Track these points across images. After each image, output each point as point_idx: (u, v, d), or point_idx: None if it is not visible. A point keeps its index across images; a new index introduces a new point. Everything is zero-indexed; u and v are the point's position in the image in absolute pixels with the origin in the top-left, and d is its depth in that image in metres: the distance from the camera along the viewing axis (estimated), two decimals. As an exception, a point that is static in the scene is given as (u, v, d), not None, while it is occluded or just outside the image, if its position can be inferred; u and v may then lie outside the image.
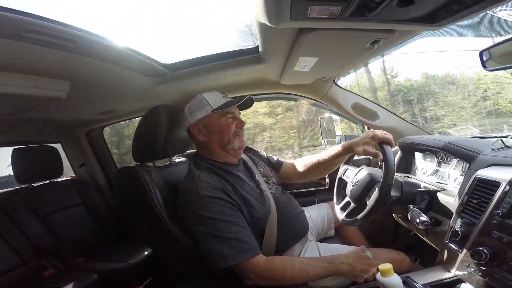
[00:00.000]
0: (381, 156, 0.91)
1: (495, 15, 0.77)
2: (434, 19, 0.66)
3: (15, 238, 1.53)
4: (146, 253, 1.73)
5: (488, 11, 0.64)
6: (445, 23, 0.68)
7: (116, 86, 1.20)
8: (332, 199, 1.23)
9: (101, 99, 1.40)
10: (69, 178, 2.16)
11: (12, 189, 1.79)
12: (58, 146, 2.06)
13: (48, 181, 1.91)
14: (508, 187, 0.74)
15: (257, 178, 1.10)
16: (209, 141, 1.05)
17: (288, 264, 0.89)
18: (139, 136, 1.18)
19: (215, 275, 0.98)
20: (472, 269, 0.78)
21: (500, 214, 0.73)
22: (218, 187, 0.93)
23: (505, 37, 0.81)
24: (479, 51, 0.88)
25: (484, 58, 0.89)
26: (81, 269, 1.57)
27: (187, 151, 1.44)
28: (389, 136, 0.94)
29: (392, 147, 0.93)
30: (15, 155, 1.76)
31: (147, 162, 1.17)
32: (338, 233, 1.37)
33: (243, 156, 1.17)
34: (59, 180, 1.99)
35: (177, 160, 1.39)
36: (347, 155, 1.11)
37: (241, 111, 1.13)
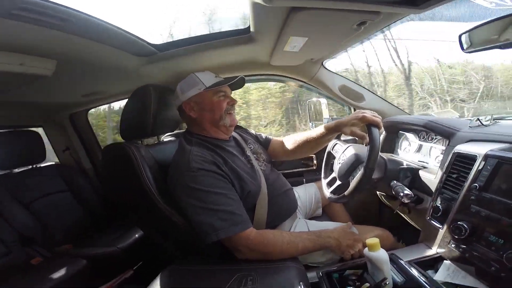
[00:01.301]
0: (367, 139, 0.91)
1: (473, 0, 0.81)
2: (416, 2, 0.69)
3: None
4: (135, 236, 1.72)
5: None
6: (426, 6, 0.71)
7: (102, 66, 1.17)
8: (320, 180, 1.26)
9: (86, 80, 1.36)
10: (53, 163, 2.09)
11: None
12: (39, 130, 1.99)
13: (31, 166, 1.85)
14: (483, 161, 0.78)
15: (248, 154, 1.12)
16: (200, 118, 1.06)
17: (278, 237, 0.91)
18: (127, 114, 1.16)
19: (205, 254, 1.00)
20: (453, 246, 0.80)
21: (477, 187, 0.76)
22: (209, 160, 0.93)
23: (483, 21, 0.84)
24: (458, 34, 0.91)
25: (463, 41, 0.91)
26: (69, 256, 1.54)
27: (176, 131, 1.43)
28: (378, 118, 0.94)
29: (379, 129, 0.93)
30: None
31: (135, 140, 1.15)
32: (326, 213, 1.41)
33: (234, 133, 1.18)
34: (42, 165, 1.92)
35: (166, 139, 1.38)
36: (334, 134, 1.13)
37: (233, 91, 1.14)
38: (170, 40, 1.19)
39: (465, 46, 0.92)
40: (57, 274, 1.34)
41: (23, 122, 1.92)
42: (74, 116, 2.01)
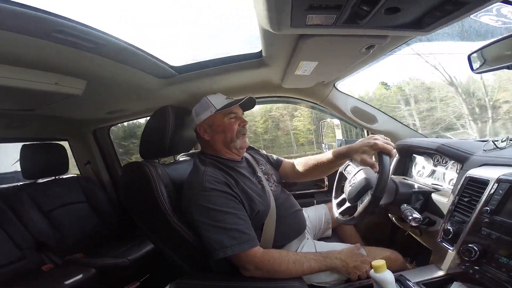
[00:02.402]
0: (377, 168, 0.91)
1: (479, 19, 0.82)
2: (421, 25, 0.72)
3: (18, 232, 1.58)
4: (145, 250, 1.76)
5: (471, 16, 0.69)
6: (431, 29, 0.73)
7: (127, 86, 1.27)
8: (331, 201, 1.26)
9: (112, 99, 1.47)
10: (74, 175, 2.21)
11: (18, 184, 1.83)
12: (64, 143, 2.12)
13: (54, 177, 1.96)
14: (496, 185, 0.77)
15: (259, 175, 1.14)
16: (213, 140, 1.10)
17: (284, 256, 0.92)
18: (147, 133, 1.23)
19: (213, 270, 1.01)
20: (463, 267, 0.80)
21: (489, 211, 0.76)
22: (222, 181, 0.97)
23: (491, 40, 0.84)
24: (467, 55, 0.91)
25: (472, 61, 0.91)
26: (80, 264, 1.59)
27: (191, 151, 1.49)
28: (390, 146, 0.93)
29: (391, 158, 0.92)
30: (23, 151, 1.82)
31: (153, 159, 1.22)
32: (336, 234, 1.39)
33: (246, 154, 1.22)
34: (64, 177, 2.03)
35: (181, 159, 1.44)
36: (346, 159, 1.13)
37: (244, 112, 1.19)
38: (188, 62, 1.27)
39: (474, 66, 0.92)
40: (66, 282, 1.39)
41: (50, 135, 2.06)
42: (97, 132, 2.15)
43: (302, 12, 0.63)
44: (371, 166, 0.95)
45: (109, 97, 1.43)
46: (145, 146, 1.22)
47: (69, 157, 2.08)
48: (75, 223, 1.87)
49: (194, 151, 1.48)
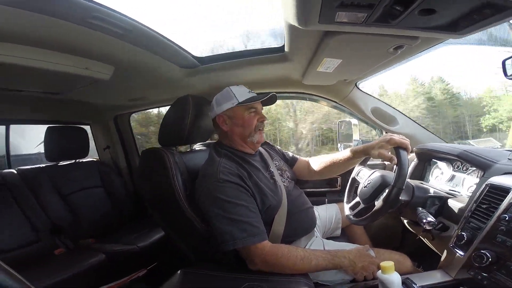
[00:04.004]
0: (395, 160, 0.93)
1: None
2: (456, 27, 0.70)
3: (36, 215, 1.63)
4: (154, 238, 1.79)
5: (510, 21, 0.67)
6: (466, 32, 0.71)
7: (151, 74, 1.30)
8: (343, 201, 1.26)
9: (135, 86, 1.51)
10: (94, 159, 2.28)
11: (40, 166, 1.89)
12: (86, 128, 2.19)
13: (74, 161, 2.02)
14: None
15: (272, 170, 1.16)
16: (231, 132, 1.12)
17: (292, 251, 0.93)
18: (167, 121, 1.26)
19: (219, 261, 1.04)
20: (472, 273, 0.79)
21: (507, 218, 0.75)
22: (236, 173, 0.99)
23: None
24: (502, 60, 0.88)
25: (507, 67, 0.89)
26: (91, 249, 1.63)
27: (208, 141, 1.51)
28: (406, 141, 0.96)
29: (408, 152, 0.94)
30: (48, 133, 1.88)
31: (171, 146, 1.25)
32: (345, 234, 1.39)
33: (261, 149, 1.23)
34: (83, 160, 2.10)
35: (197, 148, 1.46)
36: (361, 157, 1.16)
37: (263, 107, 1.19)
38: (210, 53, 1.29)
39: (509, 72, 0.89)
40: (76, 265, 1.44)
41: (74, 119, 2.14)
42: (118, 118, 2.21)
43: (332, 8, 0.63)
44: (389, 159, 0.96)
45: (133, 84, 1.48)
46: (164, 133, 1.25)
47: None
48: (90, 207, 1.91)
49: (210, 141, 1.51)
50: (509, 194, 0.78)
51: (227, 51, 1.29)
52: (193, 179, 1.11)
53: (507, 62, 0.88)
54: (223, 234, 0.91)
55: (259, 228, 0.94)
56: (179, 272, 0.99)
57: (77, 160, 2.05)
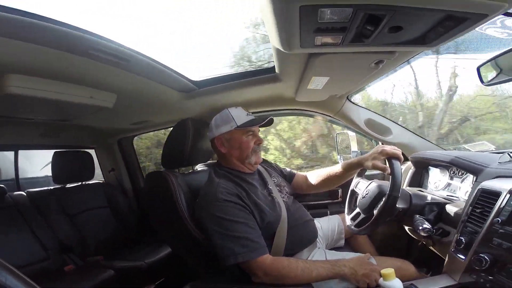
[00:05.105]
0: (389, 170, 0.97)
1: (484, 32, 0.83)
2: (425, 40, 0.74)
3: (45, 234, 1.69)
4: (161, 254, 1.82)
5: (476, 29, 0.71)
6: (436, 43, 0.76)
7: (152, 100, 1.37)
8: (344, 212, 1.28)
9: (137, 111, 1.59)
10: (99, 181, 2.34)
11: (48, 188, 1.97)
12: (91, 151, 2.27)
13: (80, 183, 2.09)
14: (508, 196, 0.78)
15: (270, 187, 1.19)
16: (229, 154, 1.16)
17: (293, 263, 0.95)
18: (169, 144, 1.32)
19: (225, 274, 1.06)
20: (474, 276, 0.81)
21: (500, 221, 0.77)
22: (234, 192, 1.03)
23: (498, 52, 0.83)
24: (476, 67, 0.90)
25: (484, 72, 0.90)
26: (100, 266, 1.67)
27: (209, 161, 1.56)
28: (398, 151, 1.00)
29: (400, 161, 0.98)
30: (55, 157, 1.97)
31: (173, 169, 1.30)
32: (349, 244, 1.39)
33: (259, 167, 1.27)
34: (89, 182, 2.17)
35: (199, 169, 1.51)
36: (357, 169, 1.20)
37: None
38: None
39: (488, 77, 0.90)
40: (86, 281, 1.47)
41: (80, 143, 2.22)
42: (122, 141, 2.28)
43: (310, 34, 0.68)
44: (383, 169, 1.01)
45: (134, 109, 1.55)
46: (167, 156, 1.31)
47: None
48: (97, 227, 1.97)
49: (211, 161, 1.55)
50: (500, 197, 0.81)
51: (223, 74, 1.36)
52: (196, 198, 1.15)
53: (481, 69, 0.90)
54: (224, 250, 0.94)
55: (258, 243, 0.96)
56: (187, 286, 1.02)
57: (84, 182, 2.11)
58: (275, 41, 0.77)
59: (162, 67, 1.09)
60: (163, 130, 2.20)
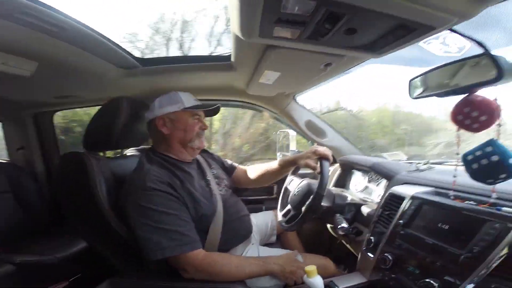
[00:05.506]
0: (318, 169, 1.04)
1: (425, 47, 0.90)
2: (374, 48, 0.81)
3: None
4: (77, 248, 1.62)
5: (419, 43, 0.78)
6: (383, 52, 0.83)
7: (84, 72, 1.18)
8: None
9: (63, 83, 1.35)
10: (1, 161, 1.95)
11: None
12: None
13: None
14: (410, 201, 0.91)
15: (208, 178, 1.16)
16: (171, 135, 1.09)
17: (226, 260, 0.94)
18: (94, 123, 1.16)
19: (149, 270, 0.99)
20: (380, 274, 0.89)
21: (402, 224, 0.89)
22: (165, 181, 0.96)
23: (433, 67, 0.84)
24: (409, 80, 0.91)
25: (413, 86, 0.91)
26: None
27: (141, 146, 1.43)
28: (328, 152, 1.08)
29: (329, 162, 1.06)
30: None
31: (97, 151, 1.15)
32: (280, 240, 1.46)
33: (198, 156, 1.23)
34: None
35: (129, 154, 1.37)
36: (292, 166, 1.27)
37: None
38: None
39: (414, 93, 0.91)
40: None
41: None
42: (38, 116, 1.92)
43: (271, 23, 0.68)
44: (314, 168, 1.08)
45: (60, 81, 1.31)
46: (90, 136, 1.15)
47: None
48: (-5, 215, 1.62)
49: (144, 146, 1.43)
50: (404, 201, 0.93)
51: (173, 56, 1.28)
52: (120, 187, 1.04)
53: (413, 81, 0.91)
54: (149, 243, 0.88)
55: (190, 236, 0.92)
56: (105, 282, 0.91)
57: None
58: (235, 27, 0.75)
59: (100, 38, 0.96)
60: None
